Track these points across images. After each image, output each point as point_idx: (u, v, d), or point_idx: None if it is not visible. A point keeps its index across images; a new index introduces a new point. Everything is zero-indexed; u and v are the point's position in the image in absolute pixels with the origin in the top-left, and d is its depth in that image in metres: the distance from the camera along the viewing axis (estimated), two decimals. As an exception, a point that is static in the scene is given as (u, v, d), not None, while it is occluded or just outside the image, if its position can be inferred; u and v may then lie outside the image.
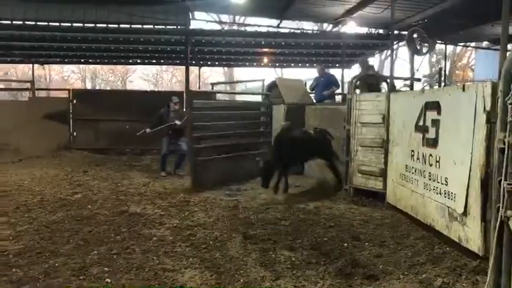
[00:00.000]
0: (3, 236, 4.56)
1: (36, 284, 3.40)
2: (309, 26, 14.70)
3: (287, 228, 4.98)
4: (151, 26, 11.57)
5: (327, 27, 13.98)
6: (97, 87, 30.83)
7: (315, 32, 13.72)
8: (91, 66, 27.85)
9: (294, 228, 4.99)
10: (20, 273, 3.58)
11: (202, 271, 3.72)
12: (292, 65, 16.96)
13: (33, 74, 13.93)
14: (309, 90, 10.61)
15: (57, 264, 3.78)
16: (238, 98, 18.97)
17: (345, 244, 4.43)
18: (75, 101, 11.77)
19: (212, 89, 15.53)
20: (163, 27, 11.58)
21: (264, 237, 4.60)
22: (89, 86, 31.56)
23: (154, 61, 17.33)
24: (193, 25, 11.95)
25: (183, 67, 16.19)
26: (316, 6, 10.90)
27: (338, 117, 7.49)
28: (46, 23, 11.08)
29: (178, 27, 11.63)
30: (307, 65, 16.54)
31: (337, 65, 15.70)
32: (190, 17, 11.69)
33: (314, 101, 10.19)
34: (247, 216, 5.51)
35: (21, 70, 27.06)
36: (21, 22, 11.12)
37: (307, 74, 15.50)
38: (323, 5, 10.79)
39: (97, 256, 4.01)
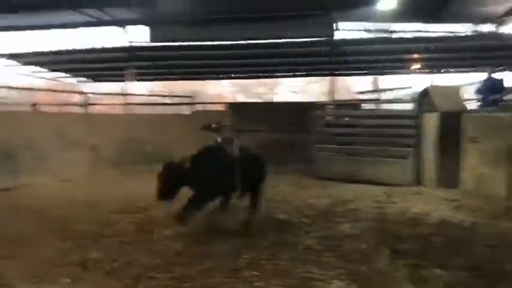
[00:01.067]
0: (166, 236, 5.07)
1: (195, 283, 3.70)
2: (458, 29, 13.60)
3: (440, 245, 4.66)
4: (298, 39, 11.93)
5: (479, 28, 12.79)
6: (248, 100, 32.45)
7: (472, 34, 12.64)
8: (243, 80, 29.52)
9: (447, 245, 4.65)
10: (180, 271, 3.95)
11: (348, 283, 3.68)
12: (443, 70, 15.86)
13: (193, 90, 15.28)
14: (468, 96, 9.88)
15: (211, 266, 4.07)
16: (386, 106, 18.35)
17: (509, 266, 3.99)
18: (231, 114, 12.53)
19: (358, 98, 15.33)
20: (310, 39, 11.85)
21: (414, 253, 4.37)
22: (241, 99, 33.41)
23: (301, 73, 17.73)
24: (338, 35, 12.00)
25: (330, 78, 16.34)
26: (476, 5, 10.08)
27: (502, 126, 6.80)
28: (205, 43, 12.20)
29: (324, 38, 11.80)
30: (461, 69, 15.32)
31: (498, 68, 14.16)
32: (335, 28, 11.77)
33: (476, 107, 9.48)
34: (396, 230, 5.30)
35: (184, 86, 29.76)
36: (183, 43, 12.43)
37: (461, 80, 14.31)
38: (484, 4, 9.93)
39: (247, 260, 4.22)
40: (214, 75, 18.32)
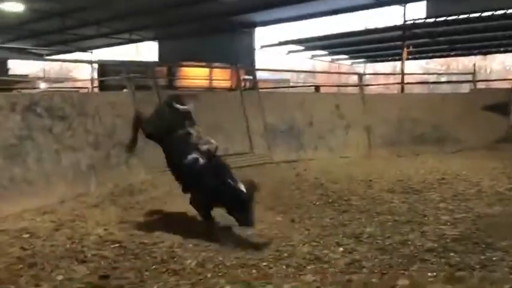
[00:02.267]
0: (442, 221, 4.87)
1: (473, 273, 3.46)
2: None
3: None
4: None
5: None
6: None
7: None
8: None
9: None
10: (457, 259, 3.73)
11: None
12: None
13: (474, 66, 13.98)
14: None
15: (494, 258, 3.72)
16: None
17: None
18: (517, 92, 11.03)
19: None
20: None
21: None
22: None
23: None
24: None
25: None
26: None
27: None
28: (490, 13, 10.99)
29: None
30: None
31: None
32: None
33: None
34: None
35: (462, 63, 27.62)
36: (465, 16, 11.49)
37: None
38: None
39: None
40: (498, 49, 16.37)
